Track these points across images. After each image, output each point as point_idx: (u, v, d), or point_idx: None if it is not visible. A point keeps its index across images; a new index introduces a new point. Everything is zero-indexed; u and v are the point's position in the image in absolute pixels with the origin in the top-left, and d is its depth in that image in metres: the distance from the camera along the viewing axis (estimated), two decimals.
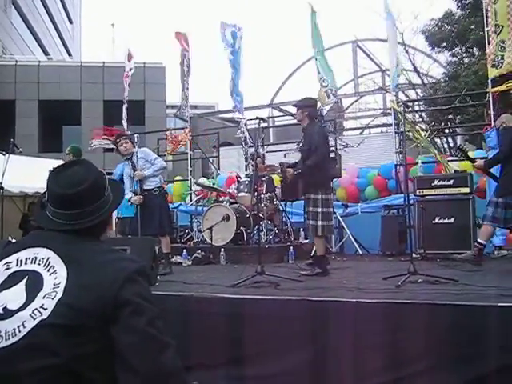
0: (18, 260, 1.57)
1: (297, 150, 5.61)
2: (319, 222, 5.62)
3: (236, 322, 4.05)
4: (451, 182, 7.37)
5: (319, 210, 5.62)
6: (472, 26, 14.96)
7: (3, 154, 7.74)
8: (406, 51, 19.04)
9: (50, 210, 1.68)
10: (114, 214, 8.97)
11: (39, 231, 1.71)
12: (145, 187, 6.53)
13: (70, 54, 45.69)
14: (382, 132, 18.14)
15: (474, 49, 15.59)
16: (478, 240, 6.00)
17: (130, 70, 11.08)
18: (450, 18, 16.56)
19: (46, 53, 37.65)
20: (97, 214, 1.69)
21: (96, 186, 1.70)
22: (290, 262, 7.34)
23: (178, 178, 12.59)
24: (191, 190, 10.57)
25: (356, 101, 22.99)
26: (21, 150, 8.34)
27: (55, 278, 1.50)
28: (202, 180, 10.98)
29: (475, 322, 3.35)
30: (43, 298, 1.46)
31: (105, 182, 1.76)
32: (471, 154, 6.78)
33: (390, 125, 10.68)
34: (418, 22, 17.97)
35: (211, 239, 7.86)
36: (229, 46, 10.31)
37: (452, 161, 9.28)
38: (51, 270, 1.52)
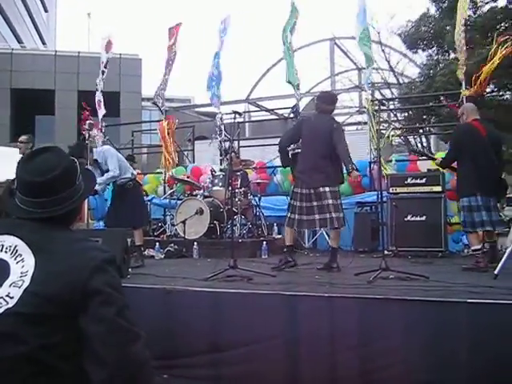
0: None
1: None
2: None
3: (208, 316, 4.05)
4: (424, 180, 7.45)
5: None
6: (448, 28, 15.16)
7: None
8: (383, 50, 19.22)
9: (18, 197, 1.64)
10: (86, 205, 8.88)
11: (7, 219, 1.67)
12: (118, 183, 6.50)
13: (44, 43, 44.98)
14: (357, 129, 18.27)
15: (450, 51, 15.80)
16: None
17: (107, 61, 10.89)
18: (427, 20, 16.74)
19: (19, 41, 37.00)
20: (67, 203, 1.65)
21: (67, 173, 1.67)
22: (263, 256, 7.34)
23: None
24: (164, 182, 10.50)
25: None
26: None
27: (22, 267, 1.47)
28: (175, 170, 10.91)
29: (444, 317, 3.40)
30: (9, 286, 1.44)
31: (76, 169, 1.72)
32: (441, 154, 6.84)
33: (365, 123, 10.76)
34: (394, 23, 18.16)
35: (184, 233, 7.83)
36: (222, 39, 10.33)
37: (424, 160, 9.37)
38: (18, 259, 1.49)
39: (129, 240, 5.96)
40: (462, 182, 5.69)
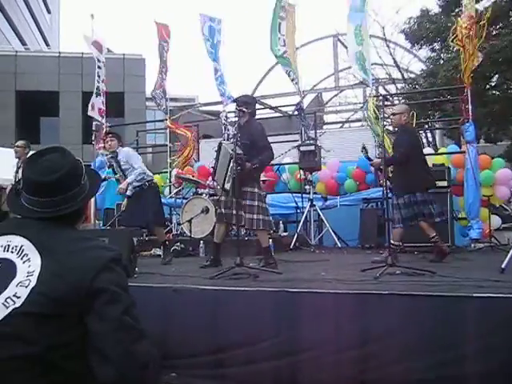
0: None
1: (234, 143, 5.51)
2: (256, 216, 5.54)
3: (214, 314, 4.05)
4: None
5: (256, 203, 5.55)
6: (450, 24, 15.09)
7: None
8: (387, 46, 19.18)
9: (24, 197, 1.65)
10: (92, 205, 8.92)
11: (13, 218, 1.69)
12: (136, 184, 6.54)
13: (47, 45, 45.06)
14: (362, 126, 18.23)
15: (453, 46, 15.72)
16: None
17: (100, 61, 10.87)
18: (428, 16, 16.66)
19: (23, 43, 37.12)
20: (72, 203, 1.66)
21: (72, 173, 1.68)
22: None
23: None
24: (170, 182, 10.52)
25: (336, 95, 23.10)
26: None
27: (29, 266, 1.48)
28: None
29: (451, 312, 3.40)
30: (16, 286, 1.44)
31: (81, 170, 1.74)
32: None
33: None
34: (400, 17, 18.19)
35: (190, 231, 7.84)
36: (207, 40, 10.27)
37: (430, 154, 9.35)
38: (24, 258, 1.50)
39: (135, 240, 5.98)
40: (417, 178, 5.97)
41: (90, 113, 10.62)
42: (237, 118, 5.85)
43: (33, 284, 1.44)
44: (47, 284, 1.44)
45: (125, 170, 6.52)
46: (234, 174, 5.27)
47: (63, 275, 1.45)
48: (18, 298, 1.42)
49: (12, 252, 1.52)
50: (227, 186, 5.44)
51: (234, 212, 5.54)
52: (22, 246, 1.53)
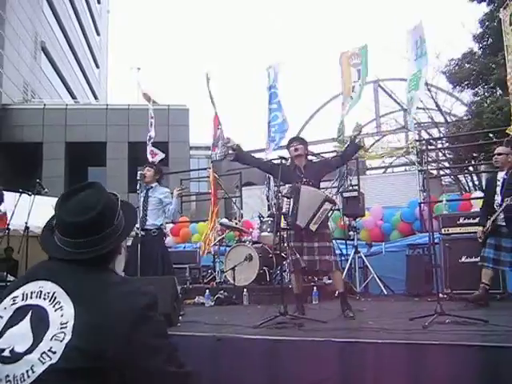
0: (23, 294, 1.52)
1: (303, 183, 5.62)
2: (333, 257, 5.67)
3: (258, 363, 3.97)
4: (477, 219, 7.23)
5: (331, 244, 5.73)
6: (493, 66, 14.98)
7: (29, 195, 7.84)
8: (429, 90, 19.11)
9: (57, 236, 1.61)
10: None
11: (46, 262, 1.64)
12: (146, 226, 6.53)
13: (96, 98, 46.91)
14: (405, 170, 18.07)
15: (497, 88, 15.58)
16: None
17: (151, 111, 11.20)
18: (470, 57, 16.61)
19: (73, 96, 38.74)
20: (105, 243, 1.61)
21: (105, 213, 1.62)
22: (313, 302, 7.23)
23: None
24: (212, 229, 10.56)
25: (378, 140, 22.98)
26: (46, 190, 8.44)
27: (61, 316, 1.44)
28: (224, 221, 10.99)
29: (505, 364, 3.23)
30: (51, 339, 1.41)
31: (116, 207, 1.68)
32: None
33: (413, 163, 10.61)
34: (440, 62, 18.09)
35: (234, 279, 7.81)
36: (271, 87, 10.20)
37: (477, 198, 9.14)
38: (57, 306, 1.47)
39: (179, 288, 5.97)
40: None
41: (151, 159, 10.74)
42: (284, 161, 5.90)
43: (67, 338, 1.40)
44: (82, 338, 1.40)
45: (148, 208, 6.54)
46: (323, 215, 5.43)
47: (98, 327, 1.42)
48: (54, 353, 1.39)
49: (44, 299, 1.49)
50: (313, 227, 5.45)
51: (306, 258, 5.57)
52: (54, 293, 1.49)
